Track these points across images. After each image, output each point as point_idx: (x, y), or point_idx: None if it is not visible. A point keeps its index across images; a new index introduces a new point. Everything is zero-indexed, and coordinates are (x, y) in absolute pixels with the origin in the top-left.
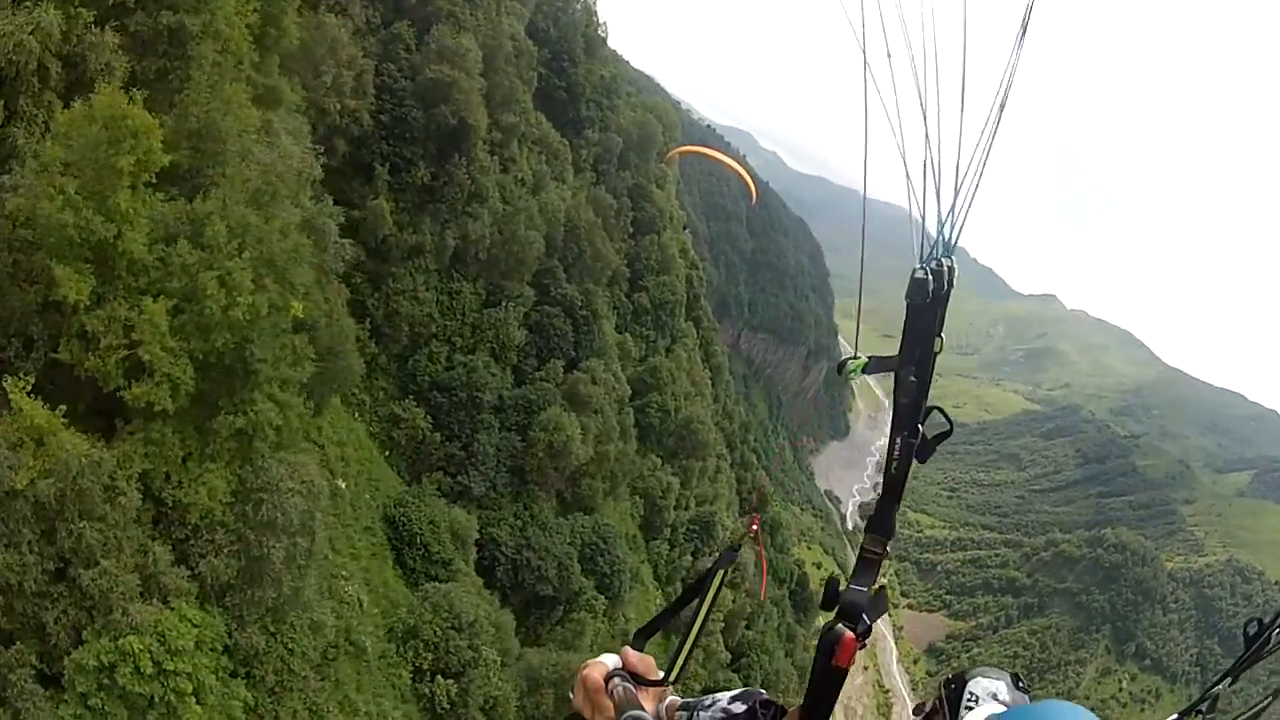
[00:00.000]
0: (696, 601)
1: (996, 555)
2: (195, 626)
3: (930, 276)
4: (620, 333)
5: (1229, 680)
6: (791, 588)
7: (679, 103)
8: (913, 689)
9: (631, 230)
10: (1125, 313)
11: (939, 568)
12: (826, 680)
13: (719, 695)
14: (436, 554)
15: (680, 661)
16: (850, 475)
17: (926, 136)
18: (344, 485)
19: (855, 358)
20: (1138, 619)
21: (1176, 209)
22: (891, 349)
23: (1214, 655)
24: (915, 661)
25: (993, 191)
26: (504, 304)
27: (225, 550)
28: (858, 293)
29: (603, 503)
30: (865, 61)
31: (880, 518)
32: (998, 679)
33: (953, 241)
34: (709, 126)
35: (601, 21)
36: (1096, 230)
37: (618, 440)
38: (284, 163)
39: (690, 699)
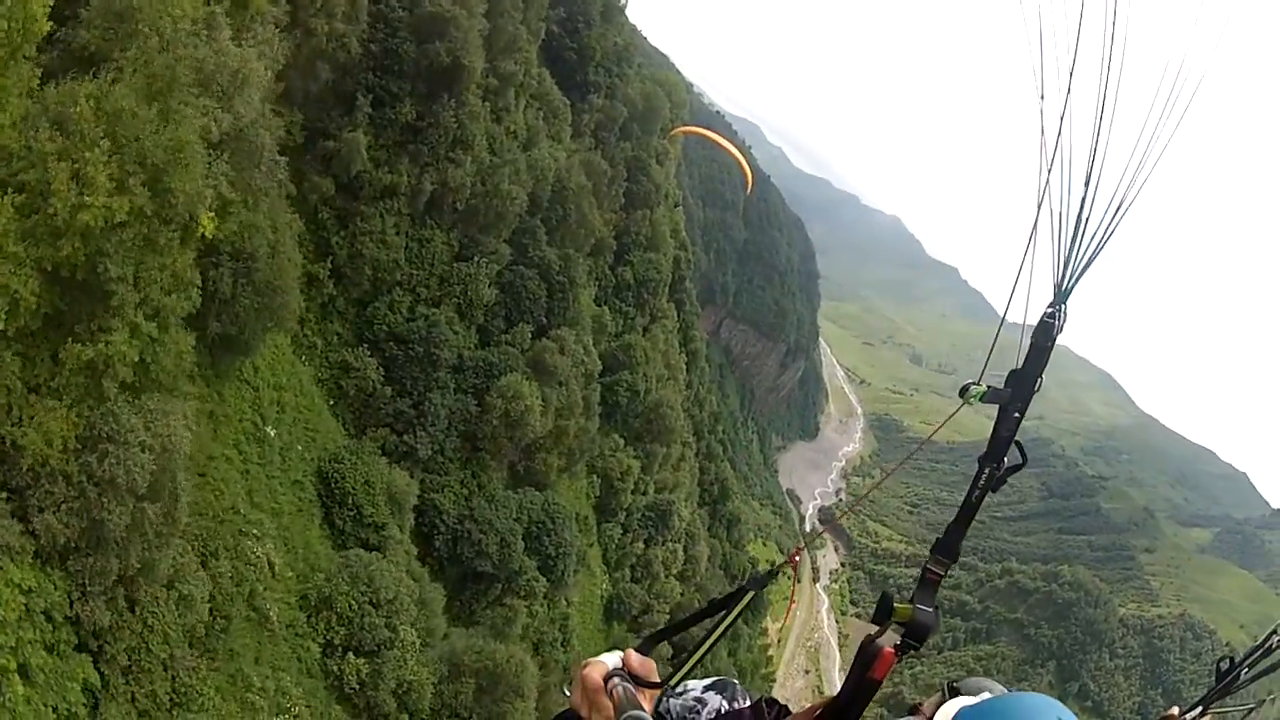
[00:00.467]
0: (717, 616)
1: (950, 576)
2: (24, 593)
3: (1054, 320)
4: (599, 305)
5: (1199, 710)
6: (743, 583)
7: (691, 85)
8: None
9: (623, 202)
10: (1107, 354)
11: (892, 581)
12: (860, 691)
13: (691, 684)
14: (369, 517)
15: (685, 670)
16: (814, 477)
17: (1059, 183)
18: (273, 433)
19: (977, 384)
20: (1084, 659)
21: (1172, 258)
22: (869, 356)
23: (1156, 706)
24: None
25: (988, 216)
26: (477, 259)
27: (64, 507)
28: (847, 297)
29: (556, 480)
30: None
31: (949, 540)
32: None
33: (1069, 288)
34: (718, 112)
35: None
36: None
37: (579, 416)
38: (217, 59)
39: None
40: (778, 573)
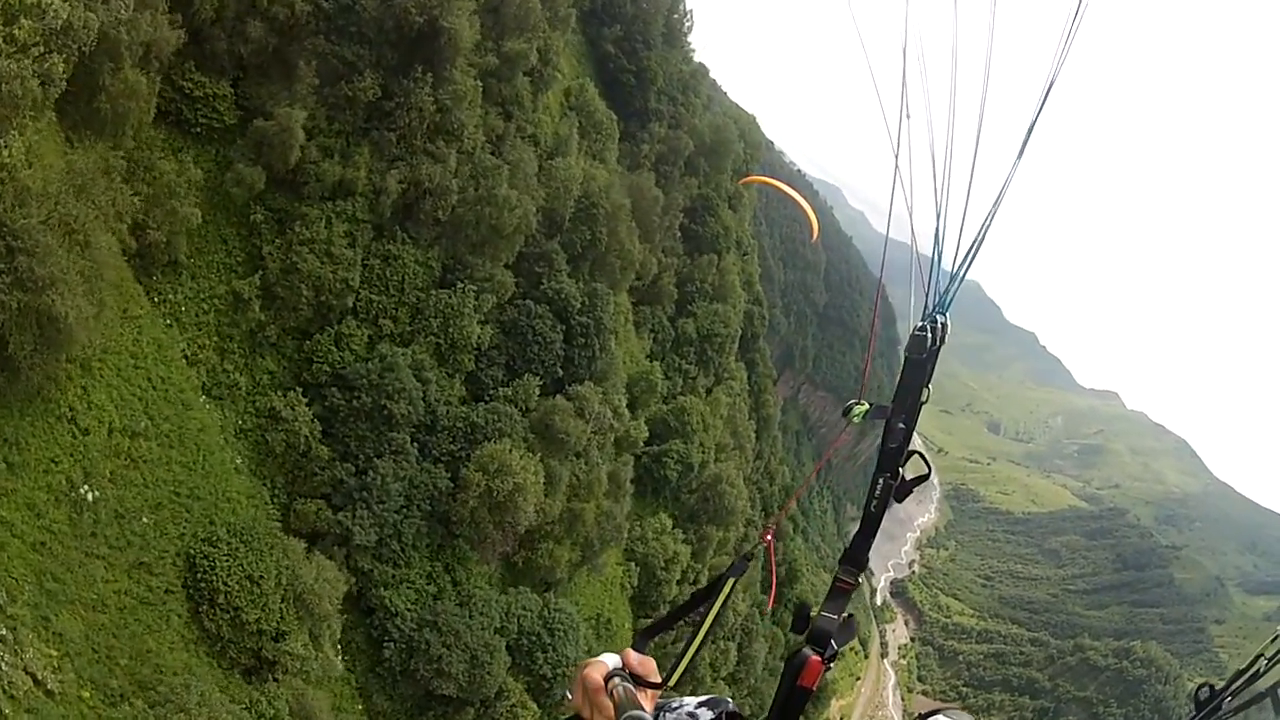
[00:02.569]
0: (703, 608)
1: (1021, 653)
2: None
3: (929, 333)
4: (652, 360)
5: None
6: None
7: (771, 142)
8: None
9: (683, 244)
10: (1183, 420)
11: (961, 657)
12: (791, 699)
13: (687, 700)
14: (254, 623)
15: (682, 666)
16: (888, 548)
17: (937, 197)
18: (92, 496)
19: (859, 402)
20: None
21: (1247, 324)
22: (947, 424)
23: None
24: None
25: (1068, 281)
26: (463, 286)
27: None
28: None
29: (568, 577)
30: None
31: (855, 551)
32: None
33: (949, 300)
34: (799, 171)
35: (688, 9)
36: (1168, 335)
37: (601, 496)
38: None
39: (661, 700)
40: (754, 555)
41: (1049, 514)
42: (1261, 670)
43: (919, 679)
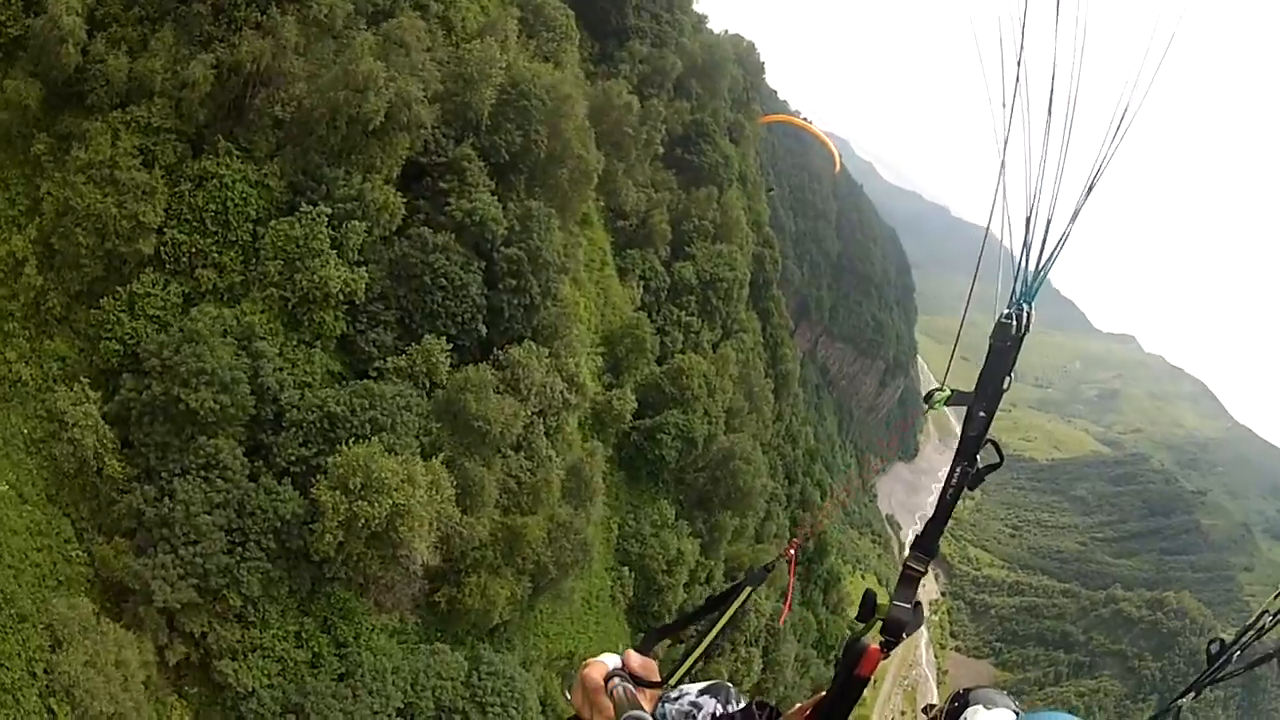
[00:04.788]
0: (715, 615)
1: (1053, 605)
2: None
3: (1014, 321)
4: (640, 313)
5: (1191, 694)
6: (838, 654)
7: (775, 92)
8: None
9: (676, 175)
10: (1201, 363)
11: (993, 611)
12: (848, 687)
13: (687, 687)
14: None
15: (684, 668)
16: (914, 500)
17: (1030, 189)
18: None
19: (941, 389)
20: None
21: (1267, 265)
22: (966, 371)
23: None
24: None
25: (1081, 223)
26: (311, 210)
27: None
28: (940, 310)
29: (517, 616)
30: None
31: (927, 538)
32: (998, 709)
33: (1034, 290)
34: (805, 119)
35: None
36: (1183, 276)
37: (557, 503)
38: None
39: (660, 692)
40: (774, 567)
41: (1072, 460)
42: (1266, 626)
43: (951, 635)
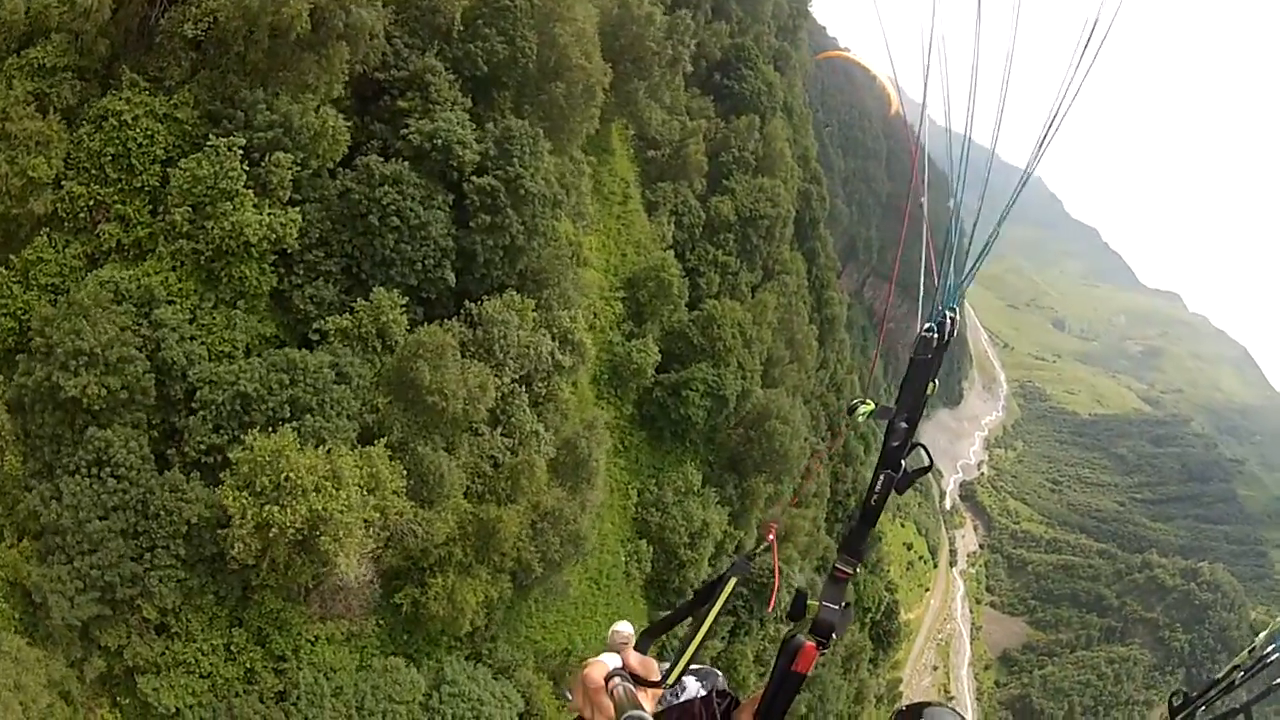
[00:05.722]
0: (704, 608)
1: (1090, 566)
2: None
3: (935, 333)
4: (667, 251)
5: None
6: (876, 617)
7: (825, 28)
8: (978, 698)
9: (714, 103)
10: (1244, 328)
11: (1030, 568)
12: (785, 683)
13: (686, 680)
14: None
15: (681, 665)
16: (957, 447)
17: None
18: None
19: (864, 401)
20: (1213, 669)
21: None
22: (1013, 319)
23: None
24: (986, 668)
25: (1132, 176)
26: (221, 143)
27: None
28: (988, 259)
29: (499, 618)
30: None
31: (853, 540)
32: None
33: (958, 298)
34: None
35: None
36: (1232, 237)
37: (543, 490)
38: None
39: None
40: (756, 555)
41: (1114, 416)
42: (1236, 682)
43: (987, 589)
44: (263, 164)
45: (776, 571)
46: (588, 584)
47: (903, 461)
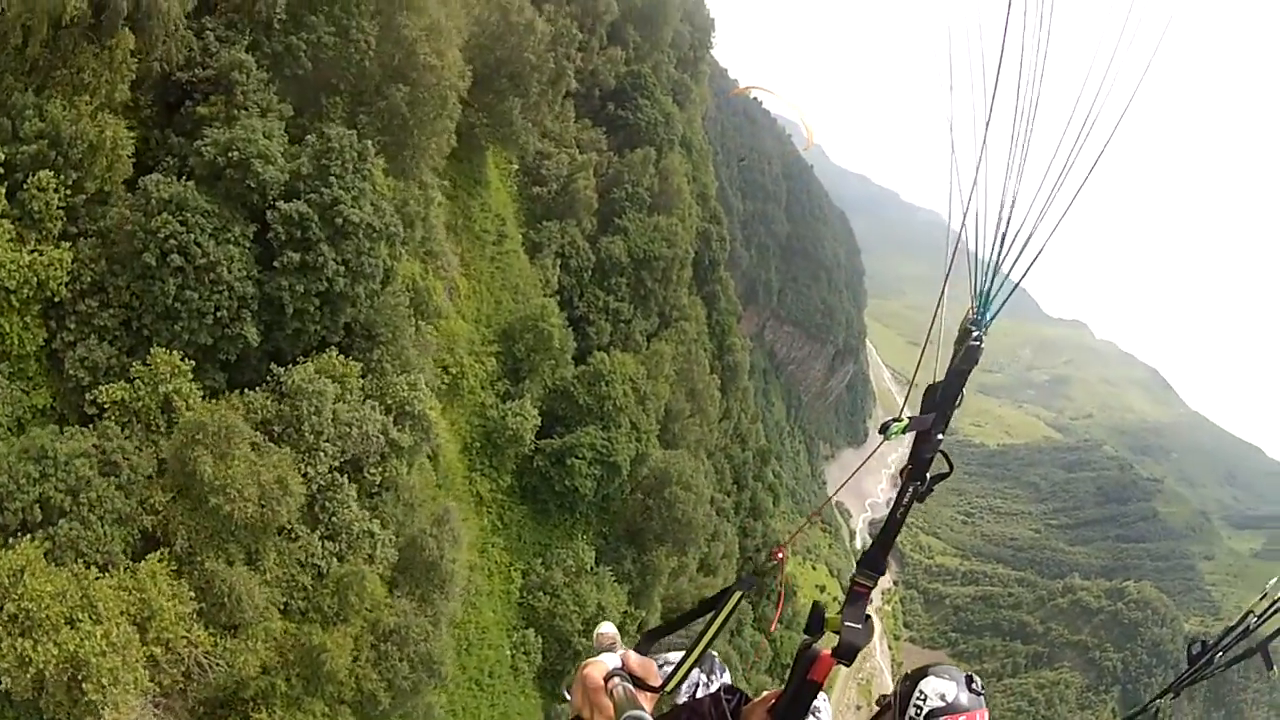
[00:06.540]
0: (708, 618)
1: (1010, 595)
2: None
3: (981, 344)
4: (550, 298)
5: (1170, 695)
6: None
7: (725, 70)
8: None
9: (606, 135)
10: (1153, 349)
11: (948, 601)
12: (801, 691)
13: (673, 655)
14: None
15: (680, 673)
16: (864, 485)
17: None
18: None
19: (898, 419)
20: (1149, 683)
21: (1218, 252)
22: (915, 356)
23: None
24: None
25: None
26: None
27: None
28: (888, 294)
29: None
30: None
31: (875, 556)
32: (950, 680)
33: (992, 316)
34: (755, 99)
35: None
36: (1134, 264)
37: (387, 601)
38: None
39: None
40: (764, 574)
41: (1024, 446)
42: (1251, 627)
43: (905, 625)
44: (25, 187)
45: (781, 594)
46: (468, 686)
47: (928, 474)
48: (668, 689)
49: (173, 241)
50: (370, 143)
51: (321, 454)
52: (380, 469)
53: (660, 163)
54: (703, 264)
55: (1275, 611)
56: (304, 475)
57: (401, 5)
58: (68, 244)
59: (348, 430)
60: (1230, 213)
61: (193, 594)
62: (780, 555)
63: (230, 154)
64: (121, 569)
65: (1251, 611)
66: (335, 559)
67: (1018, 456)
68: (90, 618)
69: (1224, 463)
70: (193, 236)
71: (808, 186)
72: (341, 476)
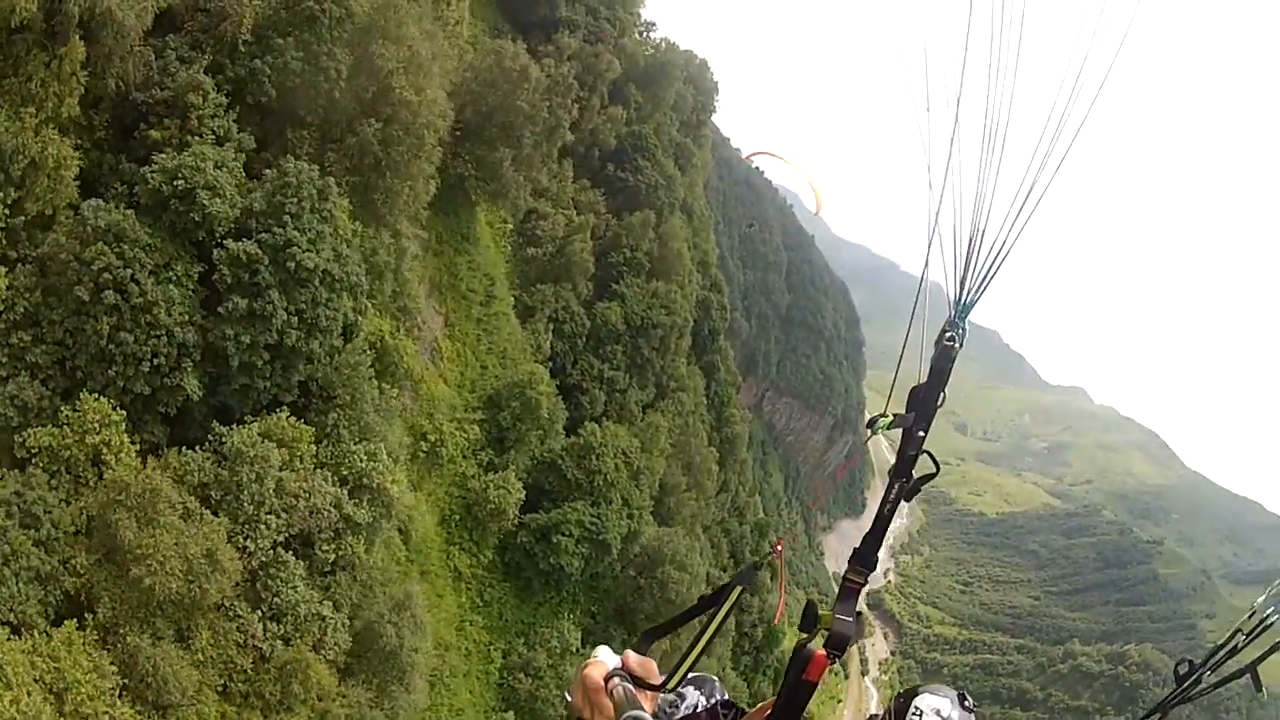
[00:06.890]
0: (709, 613)
1: (1009, 662)
2: None
3: (956, 343)
4: (541, 365)
5: (1158, 716)
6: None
7: (728, 139)
8: None
9: (605, 197)
10: (1152, 413)
11: (946, 670)
12: (797, 692)
13: (687, 691)
14: None
15: (681, 671)
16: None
17: (954, 206)
18: None
19: (884, 415)
20: None
21: (1211, 313)
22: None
23: None
24: None
25: (1029, 278)
26: None
27: None
28: (888, 365)
29: None
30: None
31: (866, 551)
32: (944, 697)
33: (970, 307)
34: (756, 168)
35: None
36: (1132, 328)
37: (339, 692)
38: None
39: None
40: (763, 564)
41: (1023, 513)
42: (1240, 646)
43: None
44: None
45: (782, 589)
46: None
47: (913, 472)
48: (670, 685)
49: (108, 276)
50: (333, 180)
51: (264, 526)
52: (334, 546)
53: (660, 227)
54: (702, 333)
55: (1262, 631)
56: (242, 549)
57: (378, 34)
58: (4, 269)
59: (294, 502)
60: (1224, 270)
61: (115, 668)
62: (779, 547)
63: (176, 183)
64: (37, 632)
65: (1240, 630)
66: (281, 642)
67: (1017, 525)
68: None
69: (1224, 520)
70: (130, 272)
71: (809, 256)
72: (287, 553)
